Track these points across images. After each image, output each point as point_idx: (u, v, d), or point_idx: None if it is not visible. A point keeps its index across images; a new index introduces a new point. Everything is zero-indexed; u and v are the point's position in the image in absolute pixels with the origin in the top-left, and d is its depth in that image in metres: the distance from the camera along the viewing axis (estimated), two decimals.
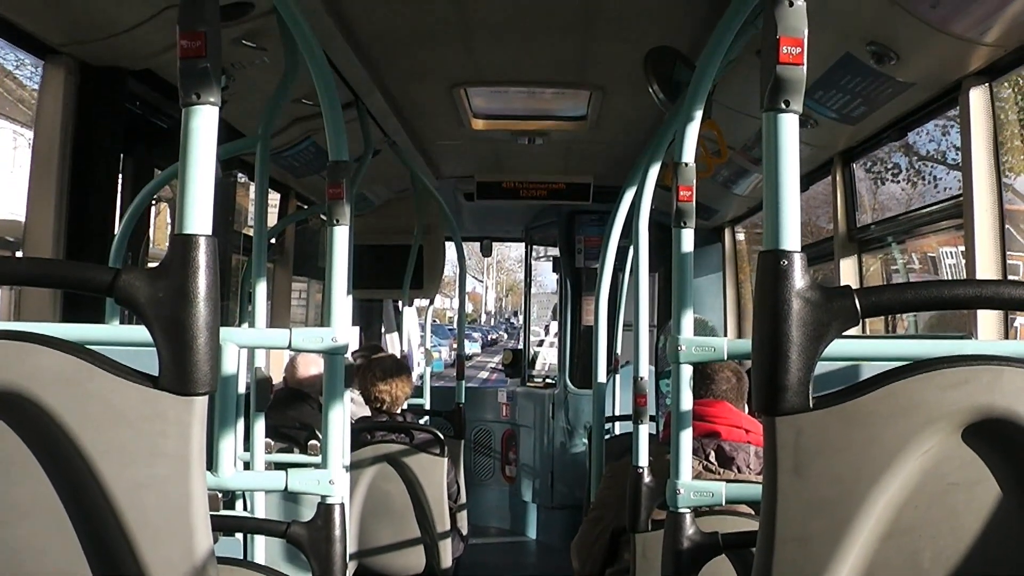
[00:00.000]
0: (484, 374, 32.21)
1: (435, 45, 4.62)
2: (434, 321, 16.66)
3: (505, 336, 62.86)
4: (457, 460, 6.33)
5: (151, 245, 4.70)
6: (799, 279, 1.61)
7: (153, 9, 3.43)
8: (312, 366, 5.53)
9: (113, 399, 1.67)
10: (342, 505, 2.67)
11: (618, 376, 7.05)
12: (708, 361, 3.06)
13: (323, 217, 2.91)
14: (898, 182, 5.64)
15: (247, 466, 3.67)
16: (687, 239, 3.03)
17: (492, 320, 71.99)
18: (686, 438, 2.93)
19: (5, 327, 1.70)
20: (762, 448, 3.68)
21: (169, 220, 4.91)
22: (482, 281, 68.88)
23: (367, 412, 5.59)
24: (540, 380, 9.90)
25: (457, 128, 6.20)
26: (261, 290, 3.67)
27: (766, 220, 1.64)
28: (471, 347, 32.40)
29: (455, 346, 7.82)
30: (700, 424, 3.56)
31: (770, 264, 1.62)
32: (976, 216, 3.69)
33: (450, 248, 8.22)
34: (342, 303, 2.77)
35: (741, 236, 8.25)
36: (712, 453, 3.49)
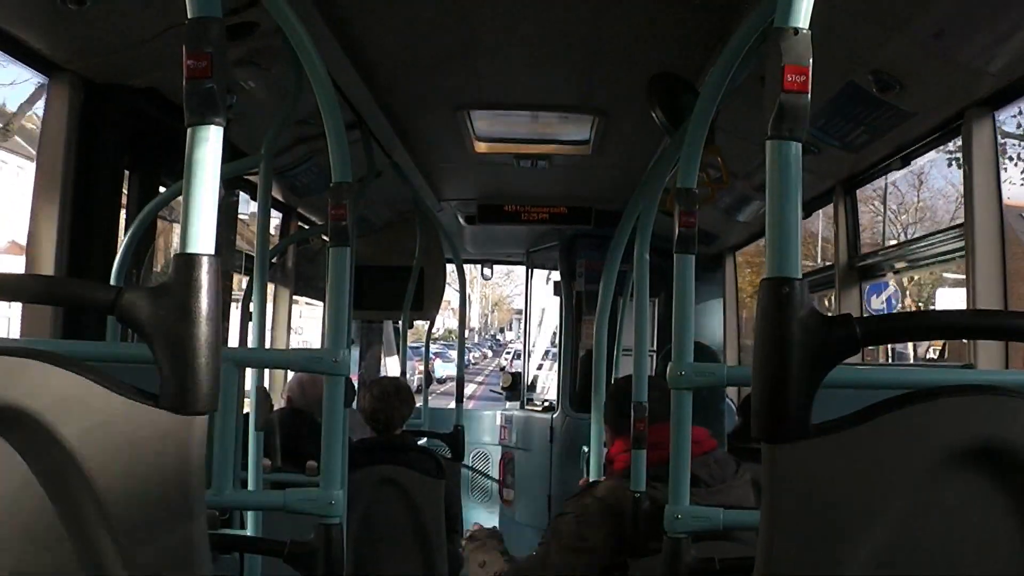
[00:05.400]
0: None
1: (439, 68, 4.64)
2: (419, 341, 16.52)
3: (490, 354, 57.93)
4: (455, 482, 6.31)
5: (154, 263, 4.70)
6: (800, 307, 1.60)
7: (158, 27, 3.44)
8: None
9: (112, 417, 1.66)
10: (340, 525, 2.67)
11: None
12: (708, 387, 3.06)
13: (325, 238, 2.91)
14: None
15: (245, 485, 3.66)
16: (689, 265, 3.03)
17: (476, 337, 68.97)
18: (685, 463, 2.93)
19: (5, 343, 1.70)
20: (711, 453, 3.67)
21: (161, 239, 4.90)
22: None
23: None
24: (539, 403, 9.88)
25: (460, 151, 6.21)
26: (262, 310, 3.66)
27: (768, 247, 1.64)
28: (445, 368, 29.29)
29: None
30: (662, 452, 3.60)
31: (771, 291, 1.61)
32: (978, 245, 3.69)
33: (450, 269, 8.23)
34: (342, 324, 2.77)
35: (742, 263, 8.26)
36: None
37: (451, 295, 8.52)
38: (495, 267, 11.16)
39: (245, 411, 3.73)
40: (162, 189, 4.36)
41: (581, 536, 3.66)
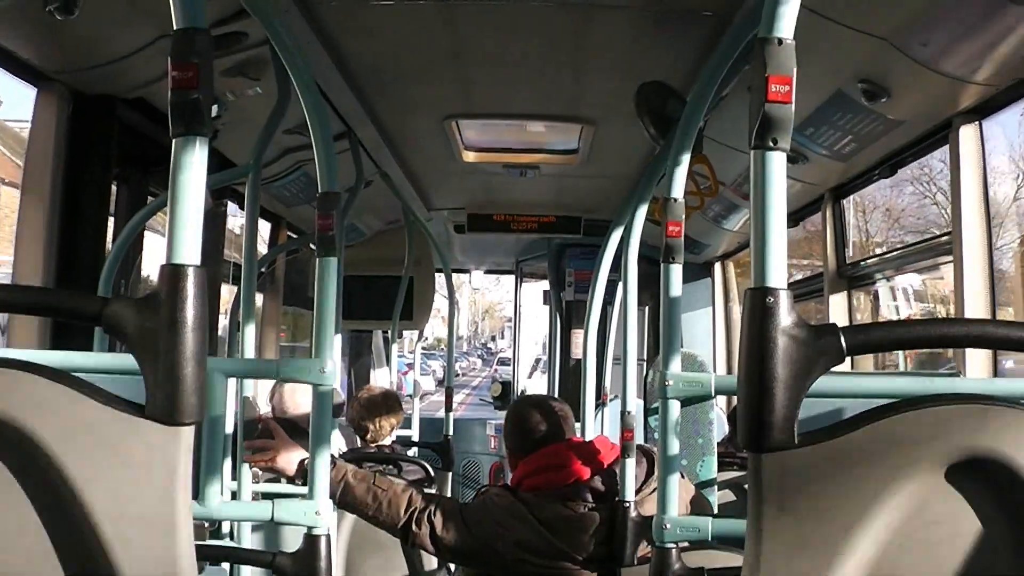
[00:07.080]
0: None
1: (428, 77, 4.64)
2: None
3: (479, 363, 54.53)
4: (445, 493, 6.30)
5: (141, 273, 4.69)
6: (785, 316, 1.60)
7: (146, 38, 3.44)
8: (302, 401, 5.49)
9: (99, 428, 1.66)
10: (328, 536, 2.66)
11: (606, 410, 7.03)
12: (695, 396, 3.06)
13: (313, 247, 2.91)
14: None
15: (234, 496, 3.66)
16: (676, 274, 3.03)
17: (465, 345, 63.42)
18: (673, 474, 2.93)
19: None
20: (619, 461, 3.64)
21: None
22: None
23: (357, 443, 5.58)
24: None
25: (449, 160, 6.20)
26: (250, 320, 3.66)
27: (753, 257, 1.64)
28: (426, 383, 26.87)
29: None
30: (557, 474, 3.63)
31: (757, 301, 1.61)
32: (966, 253, 3.70)
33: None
34: (329, 334, 2.77)
35: (731, 271, 8.26)
36: None
37: (439, 302, 8.53)
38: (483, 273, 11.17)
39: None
40: (150, 199, 4.35)
41: (502, 523, 3.63)
